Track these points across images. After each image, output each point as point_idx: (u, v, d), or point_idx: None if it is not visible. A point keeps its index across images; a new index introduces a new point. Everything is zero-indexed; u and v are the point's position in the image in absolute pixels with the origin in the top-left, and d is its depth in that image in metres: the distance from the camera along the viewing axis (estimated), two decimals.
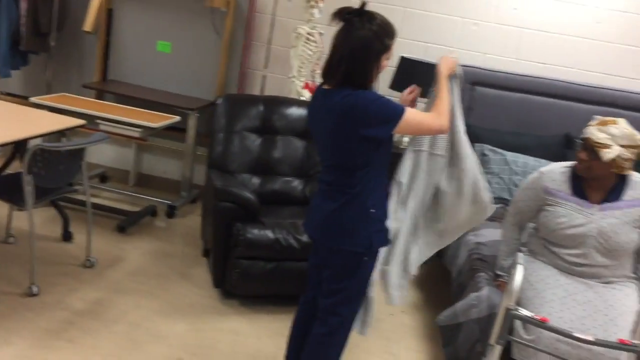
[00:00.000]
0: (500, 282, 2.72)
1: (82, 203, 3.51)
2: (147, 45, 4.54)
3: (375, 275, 2.31)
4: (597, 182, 2.47)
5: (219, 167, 3.61)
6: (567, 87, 3.97)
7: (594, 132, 2.40)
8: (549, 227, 2.52)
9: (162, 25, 4.50)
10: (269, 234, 3.16)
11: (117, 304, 3.08)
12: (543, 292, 2.46)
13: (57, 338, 2.74)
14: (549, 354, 2.25)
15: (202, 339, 2.92)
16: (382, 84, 4.01)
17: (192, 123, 4.28)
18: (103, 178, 4.73)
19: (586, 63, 4.10)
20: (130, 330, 2.88)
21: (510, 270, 2.56)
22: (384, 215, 2.24)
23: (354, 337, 3.11)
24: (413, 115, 2.07)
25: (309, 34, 3.95)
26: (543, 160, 3.66)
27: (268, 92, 4.40)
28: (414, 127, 2.09)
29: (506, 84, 4.01)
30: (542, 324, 2.05)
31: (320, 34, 3.97)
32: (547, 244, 2.57)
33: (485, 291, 2.67)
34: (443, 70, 2.23)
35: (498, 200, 3.61)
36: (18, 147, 3.35)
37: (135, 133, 3.84)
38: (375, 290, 2.35)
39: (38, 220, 3.80)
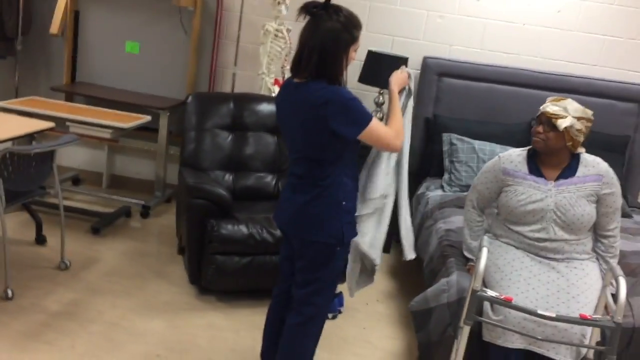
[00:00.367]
0: (470, 267, 2.79)
1: (55, 206, 3.51)
2: (115, 46, 4.53)
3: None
4: (553, 158, 2.60)
5: (192, 165, 3.63)
6: (531, 76, 4.07)
7: (549, 106, 2.57)
8: (510, 205, 2.62)
9: (130, 25, 4.49)
10: (243, 229, 3.20)
11: (93, 305, 3.09)
12: (510, 274, 2.55)
13: (34, 340, 2.74)
14: (516, 332, 2.32)
15: (180, 335, 2.95)
16: (351, 78, 4.05)
17: (163, 122, 4.29)
18: (76, 181, 4.71)
19: (549, 52, 4.20)
20: (107, 330, 2.90)
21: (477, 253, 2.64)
22: (353, 207, 2.30)
23: (330, 325, 3.17)
24: (377, 126, 2.13)
25: (277, 30, 3.98)
26: (509, 148, 3.74)
27: (238, 89, 4.43)
28: (374, 138, 2.15)
29: (472, 74, 4.10)
30: (506, 303, 2.13)
31: (288, 30, 4.01)
32: (509, 225, 2.67)
33: (455, 276, 2.74)
34: (393, 87, 2.33)
35: (466, 188, 3.69)
36: None
37: (106, 134, 3.83)
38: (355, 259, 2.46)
39: (11, 225, 3.78)
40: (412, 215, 3.79)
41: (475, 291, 2.13)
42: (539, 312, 2.06)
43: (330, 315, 3.25)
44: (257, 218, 3.30)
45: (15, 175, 3.00)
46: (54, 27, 4.20)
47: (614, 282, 2.26)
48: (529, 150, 2.70)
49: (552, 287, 2.48)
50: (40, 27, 4.48)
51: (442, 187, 3.86)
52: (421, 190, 3.93)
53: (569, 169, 2.61)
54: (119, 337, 2.86)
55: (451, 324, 2.62)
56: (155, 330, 2.96)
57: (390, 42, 4.29)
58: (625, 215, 3.62)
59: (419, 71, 4.23)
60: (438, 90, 4.13)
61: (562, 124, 2.51)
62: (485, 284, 2.60)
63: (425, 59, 4.17)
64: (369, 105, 4.03)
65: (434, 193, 3.76)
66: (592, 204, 2.57)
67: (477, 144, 3.83)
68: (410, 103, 2.45)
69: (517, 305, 2.15)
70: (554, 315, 2.04)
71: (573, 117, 2.52)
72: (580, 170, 2.60)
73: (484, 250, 2.20)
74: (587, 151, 2.68)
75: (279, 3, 3.94)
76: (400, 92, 2.39)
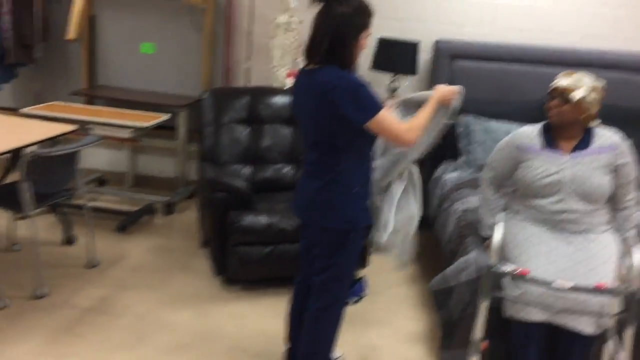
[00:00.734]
0: (488, 243, 2.82)
1: (81, 207, 3.62)
2: (131, 47, 4.63)
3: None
4: (567, 132, 2.62)
5: (211, 160, 3.71)
6: (544, 52, 4.05)
7: (561, 80, 2.58)
8: (527, 180, 2.64)
9: (144, 27, 4.58)
10: (263, 219, 3.26)
11: (122, 299, 3.19)
12: (528, 249, 2.57)
13: (67, 334, 2.85)
14: (537, 306, 2.34)
15: (208, 324, 3.03)
16: (361, 67, 4.08)
17: (181, 120, 4.37)
18: (101, 182, 4.83)
19: (561, 26, 4.17)
20: (136, 323, 2.99)
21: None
22: (366, 194, 2.31)
23: (353, 309, 3.23)
24: (388, 116, 2.14)
25: (287, 23, 4.03)
26: (525, 125, 3.75)
27: (253, 83, 4.48)
28: (384, 128, 2.14)
29: (484, 54, 4.10)
30: (522, 277, 2.15)
31: (299, 21, 4.05)
32: (527, 200, 2.68)
33: (473, 254, 2.77)
34: (436, 95, 2.32)
35: (482, 168, 3.69)
36: (15, 157, 3.45)
37: (126, 134, 3.93)
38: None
39: (40, 227, 3.90)
40: (429, 198, 3.82)
41: (491, 267, 2.16)
42: (554, 283, 2.08)
43: (354, 299, 3.30)
44: (276, 208, 3.36)
45: (41, 177, 3.10)
46: (71, 33, 4.30)
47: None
48: (543, 126, 2.71)
49: (571, 260, 2.49)
50: (58, 34, 4.59)
51: (458, 169, 3.87)
52: (437, 174, 3.95)
53: (584, 141, 2.62)
54: (147, 328, 2.96)
55: (471, 301, 2.65)
56: (183, 321, 3.05)
57: (400, 27, 4.30)
58: None
59: (431, 55, 4.24)
60: (452, 73, 4.14)
61: (576, 95, 2.53)
62: (505, 260, 2.62)
63: (437, 42, 4.18)
64: (382, 92, 4.07)
65: (450, 175, 3.78)
66: (608, 175, 2.58)
67: (492, 123, 3.84)
68: (442, 122, 2.41)
69: (533, 278, 2.18)
70: (569, 285, 2.06)
71: (585, 88, 2.54)
72: (595, 143, 2.61)
73: (500, 226, 2.23)
74: (604, 124, 2.68)
75: None
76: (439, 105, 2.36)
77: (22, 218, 3.20)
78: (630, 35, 4.11)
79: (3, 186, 3.41)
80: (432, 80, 4.18)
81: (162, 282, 3.41)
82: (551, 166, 2.61)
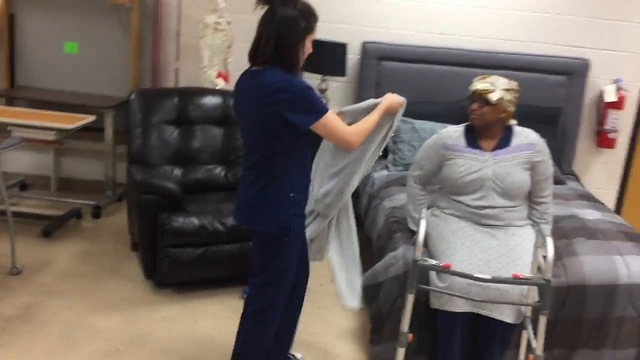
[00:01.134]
0: (415, 239, 2.92)
1: (3, 212, 3.48)
2: (54, 47, 4.48)
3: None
4: (488, 131, 2.76)
5: (140, 161, 3.66)
6: (465, 55, 4.23)
7: (478, 84, 2.74)
8: (452, 177, 2.77)
9: (68, 25, 4.44)
10: (194, 220, 3.25)
11: (48, 307, 3.10)
12: (454, 243, 2.69)
13: None
14: (462, 297, 2.45)
15: (138, 328, 2.99)
16: None
17: (108, 121, 4.28)
18: (23, 186, 4.65)
19: (480, 30, 4.35)
20: (64, 330, 2.92)
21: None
22: (303, 200, 2.32)
23: None
24: (333, 119, 2.19)
25: (216, 23, 4.02)
26: (448, 125, 3.88)
27: (182, 84, 4.44)
28: (329, 130, 2.19)
29: (410, 56, 4.23)
30: (445, 270, 2.25)
31: (228, 22, 4.05)
32: (452, 196, 2.81)
33: (401, 250, 2.87)
34: (385, 103, 2.41)
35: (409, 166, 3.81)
36: None
37: (50, 136, 3.81)
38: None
39: None
40: (360, 196, 3.91)
41: (416, 261, 2.25)
42: (476, 275, 2.19)
43: None
44: (208, 209, 3.36)
45: None
46: None
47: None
48: (466, 126, 2.85)
49: (493, 253, 2.63)
50: None
51: (387, 167, 3.98)
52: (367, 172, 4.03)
53: (504, 140, 2.77)
54: (76, 335, 2.89)
55: (399, 295, 2.74)
56: (113, 326, 2.99)
57: (329, 29, 4.36)
58: (559, 182, 3.81)
59: (359, 56, 4.33)
60: (378, 74, 4.24)
61: (494, 97, 2.68)
62: (432, 254, 2.74)
63: (364, 43, 4.27)
64: None
65: (379, 174, 3.88)
66: (526, 172, 2.73)
67: (418, 123, 3.97)
68: (387, 129, 2.49)
69: (455, 271, 2.28)
70: (489, 277, 2.18)
71: (501, 89, 2.69)
72: (514, 141, 2.77)
73: (423, 222, 2.33)
74: (521, 124, 2.85)
75: None
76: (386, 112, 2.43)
77: None
78: (543, 39, 4.34)
79: None
80: (360, 82, 4.28)
81: (90, 288, 3.33)
82: (474, 164, 2.74)
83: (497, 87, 2.70)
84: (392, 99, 2.44)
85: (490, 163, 2.73)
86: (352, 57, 4.35)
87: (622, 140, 4.51)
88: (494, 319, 2.56)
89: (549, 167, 2.79)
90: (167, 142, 3.73)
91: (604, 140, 4.43)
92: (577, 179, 4.24)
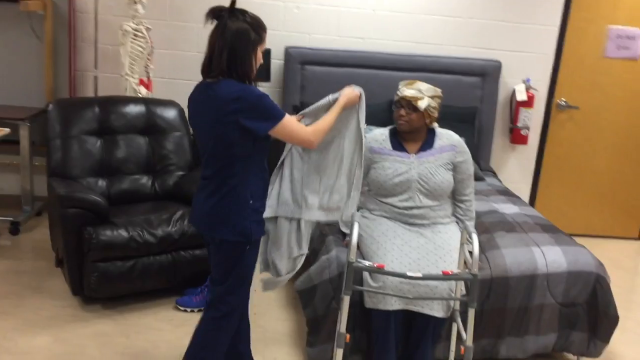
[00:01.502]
0: (347, 242, 2.98)
1: None
2: None
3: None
4: (414, 135, 2.87)
5: (60, 174, 3.53)
6: (385, 58, 4.35)
7: (405, 91, 2.82)
8: (379, 180, 2.86)
9: None
10: (123, 233, 3.18)
11: None
12: (384, 243, 2.77)
13: None
14: (395, 295, 2.54)
15: (68, 347, 2.90)
16: None
17: (24, 133, 4.10)
18: None
19: (398, 34, 4.49)
20: None
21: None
22: (262, 206, 2.37)
23: None
24: (291, 123, 2.26)
25: (135, 30, 3.94)
26: (374, 127, 4.00)
27: (103, 92, 4.32)
28: (288, 134, 2.27)
29: (332, 60, 4.31)
30: (379, 270, 2.33)
31: (148, 29, 3.98)
32: (380, 198, 2.90)
33: (334, 252, 2.92)
34: (341, 98, 2.44)
35: None
36: None
37: None
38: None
39: None
40: None
41: (351, 263, 2.31)
42: (408, 274, 2.28)
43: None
44: (136, 220, 3.29)
45: None
46: None
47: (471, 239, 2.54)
48: (390, 129, 2.95)
49: (422, 251, 2.73)
50: None
51: None
52: None
53: (427, 142, 2.89)
54: (3, 358, 2.76)
55: (335, 297, 2.80)
56: (41, 346, 2.88)
57: None
58: (478, 178, 3.99)
59: (283, 61, 4.37)
60: (302, 78, 4.30)
61: (422, 104, 2.79)
62: (364, 255, 2.81)
63: (287, 48, 4.31)
64: None
65: None
66: (449, 172, 2.87)
67: None
68: (360, 126, 2.52)
69: (388, 271, 2.36)
70: (420, 275, 2.27)
71: (428, 97, 2.81)
72: (437, 143, 2.89)
73: (355, 225, 2.39)
74: (441, 125, 2.98)
75: (135, 2, 3.90)
76: (347, 108, 2.47)
77: None
78: (458, 42, 4.54)
79: None
80: (285, 86, 4.32)
81: (13, 307, 3.19)
82: (400, 167, 2.84)
83: (425, 94, 2.81)
84: (349, 93, 2.49)
85: (416, 165, 2.84)
86: (276, 62, 4.39)
87: (533, 136, 4.78)
88: (425, 315, 2.67)
89: (470, 166, 2.93)
90: (89, 153, 3.62)
91: (517, 136, 4.68)
92: (494, 174, 4.46)
